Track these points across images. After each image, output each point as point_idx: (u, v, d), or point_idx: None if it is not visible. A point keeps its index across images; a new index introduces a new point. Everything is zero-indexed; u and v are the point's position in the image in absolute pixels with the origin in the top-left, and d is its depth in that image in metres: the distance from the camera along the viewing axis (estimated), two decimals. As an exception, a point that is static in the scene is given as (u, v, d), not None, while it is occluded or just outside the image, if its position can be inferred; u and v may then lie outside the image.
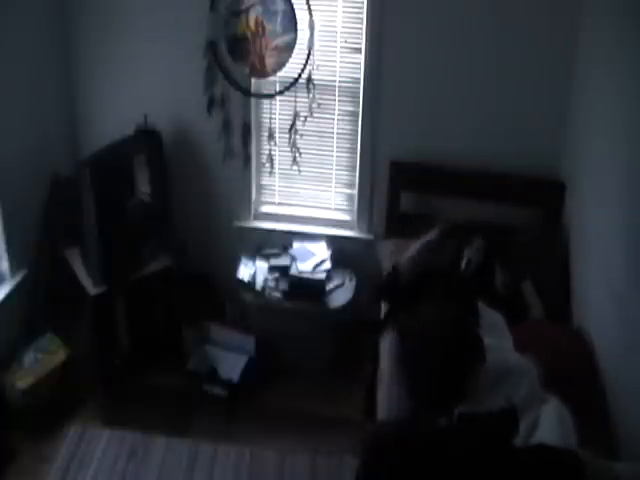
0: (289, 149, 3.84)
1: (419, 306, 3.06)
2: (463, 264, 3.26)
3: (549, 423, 2.41)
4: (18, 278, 3.56)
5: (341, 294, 3.78)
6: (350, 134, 3.85)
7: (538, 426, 2.42)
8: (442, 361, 2.61)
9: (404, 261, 3.29)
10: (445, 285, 3.15)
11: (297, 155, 3.85)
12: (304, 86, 3.65)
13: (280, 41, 3.53)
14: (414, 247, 3.31)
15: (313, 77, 3.63)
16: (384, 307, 3.39)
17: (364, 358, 3.60)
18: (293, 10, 3.45)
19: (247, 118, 3.79)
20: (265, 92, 3.77)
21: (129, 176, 3.58)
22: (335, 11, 3.57)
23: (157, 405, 3.59)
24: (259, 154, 3.95)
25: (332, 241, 3.97)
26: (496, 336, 2.84)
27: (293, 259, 3.84)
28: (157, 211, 3.79)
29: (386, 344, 3.11)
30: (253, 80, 3.73)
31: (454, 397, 2.53)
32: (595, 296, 2.96)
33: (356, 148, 3.84)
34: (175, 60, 3.75)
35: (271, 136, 3.83)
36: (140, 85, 3.85)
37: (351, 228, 4.03)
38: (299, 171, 3.91)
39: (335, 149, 3.90)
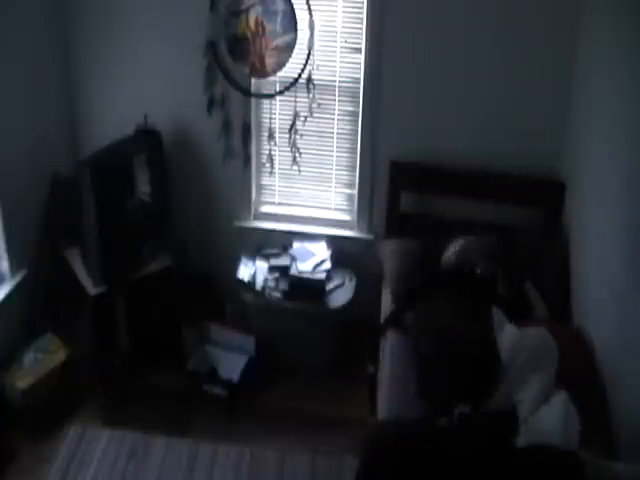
0: (289, 149, 3.84)
1: (430, 305, 3.08)
2: (479, 268, 3.26)
3: (555, 410, 2.41)
4: (18, 278, 3.56)
5: (341, 294, 3.78)
6: (350, 134, 3.85)
7: (545, 406, 2.42)
8: (469, 362, 2.62)
9: (452, 251, 3.35)
10: (460, 286, 3.16)
11: (297, 155, 3.85)
12: (304, 86, 3.65)
13: (280, 41, 3.52)
14: (467, 241, 3.36)
15: (313, 77, 3.63)
16: (387, 308, 3.40)
17: (364, 358, 3.60)
18: (293, 10, 3.45)
19: (247, 118, 3.79)
20: (265, 92, 3.77)
21: (129, 176, 3.58)
22: (335, 11, 3.57)
23: (157, 405, 3.58)
24: (259, 154, 3.95)
25: (332, 241, 3.97)
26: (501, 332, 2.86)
27: (293, 259, 3.83)
28: (157, 211, 3.78)
29: (388, 344, 3.11)
30: (253, 80, 3.73)
31: (483, 395, 2.55)
32: (595, 296, 2.96)
33: (356, 148, 3.84)
34: (175, 60, 3.75)
35: (271, 136, 3.83)
36: (140, 85, 3.85)
37: (351, 228, 4.03)
38: (299, 171, 3.91)
39: (335, 149, 3.90)
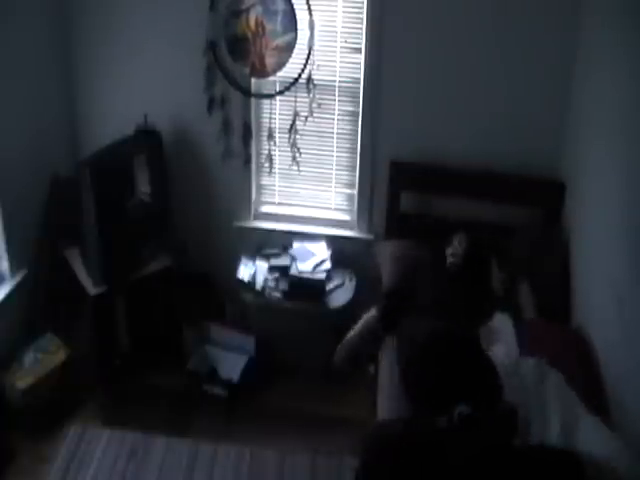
0: (289, 149, 3.84)
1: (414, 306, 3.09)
2: (447, 262, 3.29)
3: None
4: (18, 278, 3.56)
5: (341, 294, 3.78)
6: (350, 134, 3.85)
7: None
8: (456, 359, 2.59)
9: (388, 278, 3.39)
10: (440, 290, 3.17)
11: (297, 155, 3.84)
12: (304, 86, 3.65)
13: (280, 41, 3.53)
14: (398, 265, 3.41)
15: (313, 77, 3.63)
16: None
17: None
18: (293, 10, 3.45)
19: (247, 118, 3.79)
20: (265, 92, 3.77)
21: (129, 176, 3.58)
22: (335, 11, 3.57)
23: (157, 405, 3.59)
24: (259, 154, 3.95)
25: (332, 241, 3.97)
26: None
27: (293, 259, 3.83)
28: (157, 211, 3.79)
29: (387, 346, 3.11)
30: (253, 80, 3.73)
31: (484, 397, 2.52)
32: (595, 296, 2.97)
33: (356, 148, 3.84)
34: (175, 60, 3.75)
35: (271, 136, 3.83)
36: (140, 85, 3.85)
37: (351, 228, 4.03)
38: (299, 171, 3.91)
39: (335, 149, 3.90)
